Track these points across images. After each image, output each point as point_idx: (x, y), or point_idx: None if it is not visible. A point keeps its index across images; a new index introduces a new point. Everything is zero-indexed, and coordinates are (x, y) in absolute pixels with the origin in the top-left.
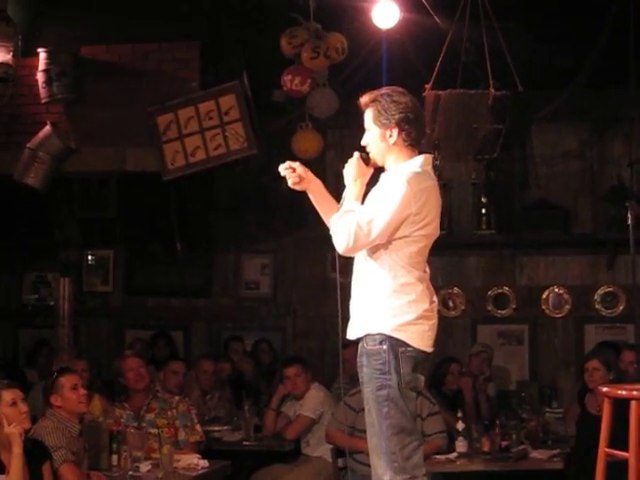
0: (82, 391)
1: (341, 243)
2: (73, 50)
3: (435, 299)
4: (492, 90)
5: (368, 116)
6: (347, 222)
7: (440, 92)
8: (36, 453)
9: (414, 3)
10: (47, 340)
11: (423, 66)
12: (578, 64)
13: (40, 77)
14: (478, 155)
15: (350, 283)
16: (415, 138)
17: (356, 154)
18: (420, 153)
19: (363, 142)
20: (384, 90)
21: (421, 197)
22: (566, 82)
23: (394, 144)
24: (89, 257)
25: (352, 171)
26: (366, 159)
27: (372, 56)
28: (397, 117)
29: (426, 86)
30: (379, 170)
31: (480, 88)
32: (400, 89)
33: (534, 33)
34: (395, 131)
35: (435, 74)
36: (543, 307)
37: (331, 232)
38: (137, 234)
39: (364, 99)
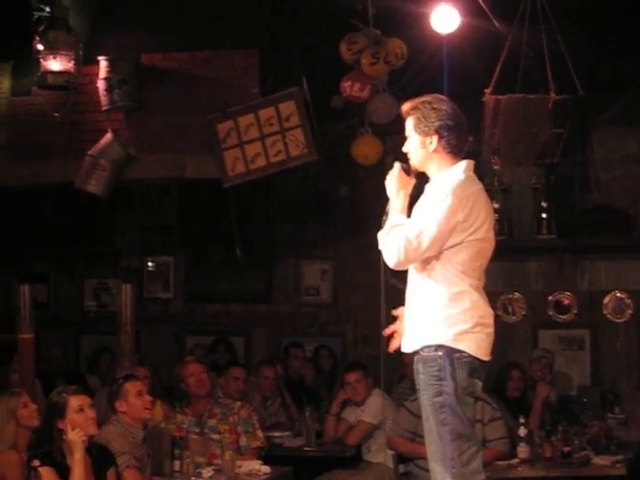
0: (147, 397)
1: (391, 258)
2: (133, 58)
3: (490, 309)
4: (552, 94)
5: (409, 124)
6: (396, 237)
7: (500, 97)
8: (101, 458)
9: (473, 8)
10: (108, 346)
11: (483, 71)
12: (639, 67)
13: (101, 85)
14: (538, 160)
15: (405, 288)
16: (455, 145)
17: (397, 165)
18: (463, 159)
19: (404, 149)
20: (425, 97)
21: (467, 203)
22: (627, 85)
23: (434, 151)
24: (149, 264)
25: (394, 183)
26: (407, 169)
27: (432, 61)
28: (436, 124)
29: (486, 91)
30: (422, 180)
31: (540, 92)
32: (442, 96)
33: (594, 36)
34: (434, 138)
35: (495, 79)
36: (604, 312)
37: (380, 247)
38: (197, 241)
39: (405, 107)
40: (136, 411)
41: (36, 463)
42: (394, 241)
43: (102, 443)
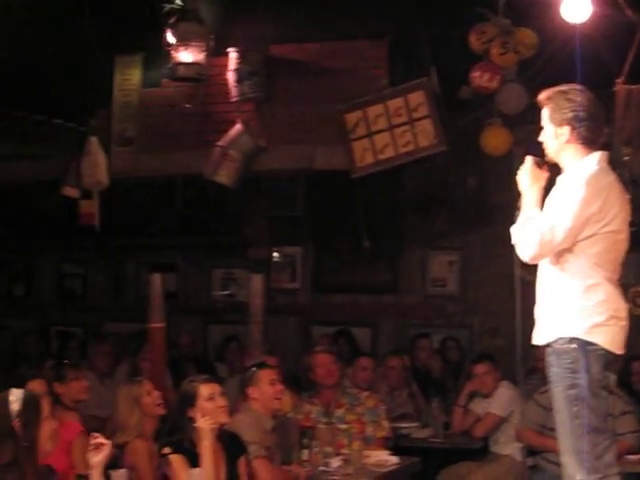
0: (279, 387)
1: (526, 252)
2: (263, 49)
3: (625, 302)
4: None
5: (544, 113)
6: (529, 231)
7: (632, 87)
8: (233, 446)
9: None
10: (235, 336)
11: (614, 61)
12: None
13: (231, 76)
14: None
15: (535, 280)
16: (587, 137)
17: (530, 159)
18: (597, 150)
19: (540, 139)
20: (561, 87)
21: (601, 195)
22: None
23: (567, 142)
24: (275, 254)
25: (527, 177)
26: (540, 163)
27: (562, 51)
28: (569, 115)
29: (617, 81)
30: (555, 174)
31: None
32: (579, 87)
33: None
34: (566, 129)
35: (627, 69)
36: None
37: (513, 241)
38: (325, 231)
39: (541, 96)
40: (267, 399)
41: (167, 451)
42: (528, 235)
43: (233, 431)
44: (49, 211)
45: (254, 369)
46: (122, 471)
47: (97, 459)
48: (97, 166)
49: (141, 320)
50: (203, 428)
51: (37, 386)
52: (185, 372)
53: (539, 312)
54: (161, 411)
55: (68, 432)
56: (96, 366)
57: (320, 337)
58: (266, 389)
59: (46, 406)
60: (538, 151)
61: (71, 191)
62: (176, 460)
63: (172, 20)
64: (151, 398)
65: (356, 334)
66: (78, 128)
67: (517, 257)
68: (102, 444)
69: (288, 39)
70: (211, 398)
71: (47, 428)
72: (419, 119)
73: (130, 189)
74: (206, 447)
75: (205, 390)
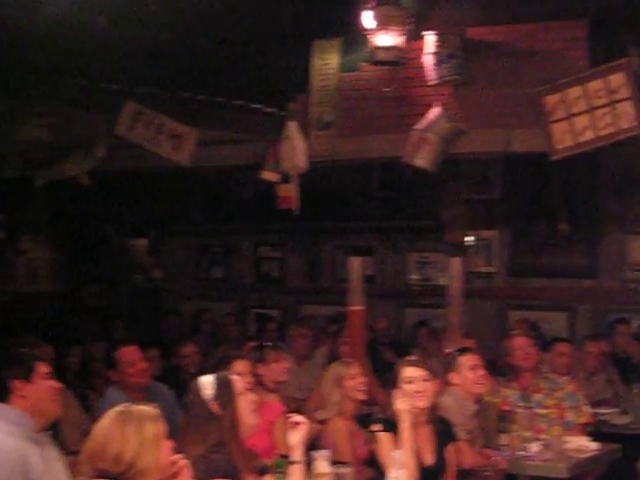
0: (480, 372)
1: None
2: (461, 32)
3: None
4: None
5: None
6: None
7: None
8: (444, 432)
9: None
10: (425, 321)
11: None
12: None
13: (429, 59)
14: None
15: None
16: None
17: None
18: None
19: None
20: None
21: None
22: None
23: None
24: (469, 238)
25: None
26: None
27: None
28: None
29: None
30: None
31: None
32: None
33: None
34: None
35: None
36: None
37: None
38: (522, 215)
39: None
40: (468, 384)
41: (375, 428)
42: None
43: (446, 417)
44: (248, 195)
45: (455, 354)
46: (325, 452)
47: (296, 439)
48: (296, 150)
49: (337, 303)
50: (399, 409)
51: (242, 367)
52: (381, 356)
53: None
54: (362, 396)
55: (270, 413)
56: (294, 349)
57: (517, 321)
58: (467, 374)
59: (240, 383)
60: None
61: (270, 175)
62: (384, 438)
63: (370, 4)
64: (354, 382)
65: (553, 319)
66: (277, 113)
67: None
68: (299, 423)
69: (485, 21)
70: (410, 381)
71: (245, 403)
72: (620, 101)
73: (328, 173)
74: (405, 429)
75: (405, 372)
